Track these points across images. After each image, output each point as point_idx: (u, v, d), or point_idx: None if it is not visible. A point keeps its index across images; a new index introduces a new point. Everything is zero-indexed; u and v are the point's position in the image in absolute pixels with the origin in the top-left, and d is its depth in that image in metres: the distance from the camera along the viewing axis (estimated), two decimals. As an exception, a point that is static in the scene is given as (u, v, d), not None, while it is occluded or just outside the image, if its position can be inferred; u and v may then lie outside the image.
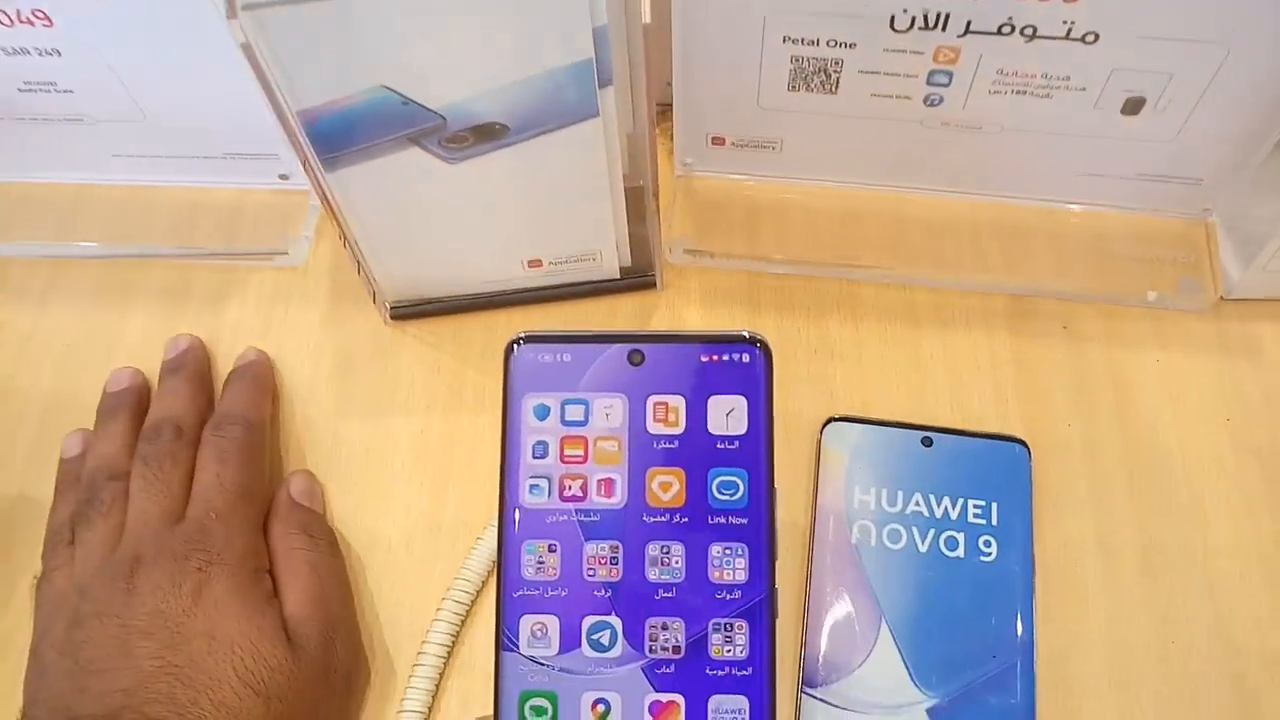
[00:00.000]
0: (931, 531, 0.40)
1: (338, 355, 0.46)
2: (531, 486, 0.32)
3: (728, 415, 0.32)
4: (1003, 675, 0.38)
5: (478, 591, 0.40)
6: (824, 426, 0.42)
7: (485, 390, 0.45)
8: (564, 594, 0.31)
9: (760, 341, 0.32)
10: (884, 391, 0.44)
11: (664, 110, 0.47)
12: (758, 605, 0.31)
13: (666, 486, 0.31)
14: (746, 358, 0.32)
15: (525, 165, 0.39)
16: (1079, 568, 0.40)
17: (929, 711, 0.37)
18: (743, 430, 0.32)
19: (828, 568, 0.40)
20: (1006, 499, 0.41)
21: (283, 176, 0.49)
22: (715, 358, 0.32)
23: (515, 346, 0.32)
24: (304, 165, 0.37)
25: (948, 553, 0.40)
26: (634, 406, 0.32)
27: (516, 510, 0.32)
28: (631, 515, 0.31)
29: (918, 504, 0.41)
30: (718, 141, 0.46)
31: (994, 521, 0.40)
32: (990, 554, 0.40)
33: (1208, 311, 0.45)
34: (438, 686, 0.39)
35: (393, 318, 0.47)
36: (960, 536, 0.40)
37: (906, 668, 0.38)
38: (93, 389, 0.45)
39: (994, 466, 0.41)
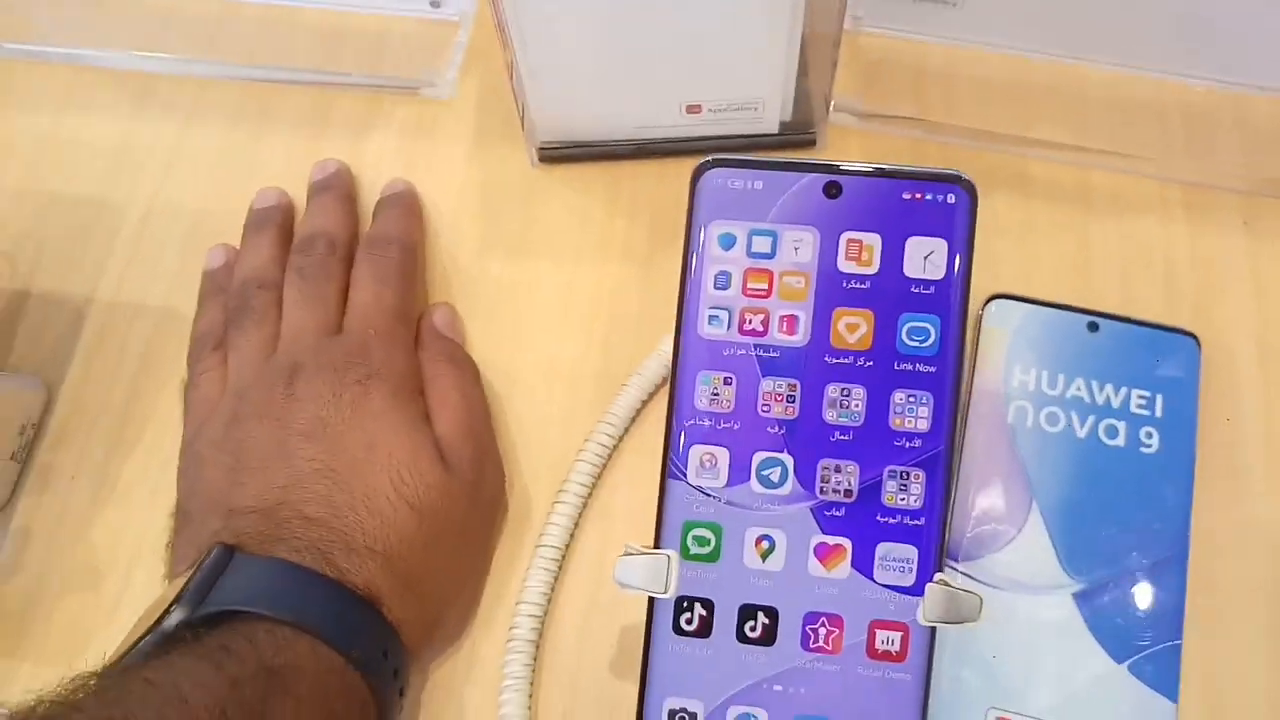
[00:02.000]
0: (1091, 418, 0.38)
1: (482, 194, 0.45)
2: (711, 317, 0.31)
3: (926, 258, 0.30)
4: (1154, 568, 0.36)
5: (620, 437, 0.40)
6: (986, 303, 0.40)
7: (634, 240, 0.44)
8: (736, 427, 0.30)
9: (968, 182, 0.30)
10: (1051, 273, 0.42)
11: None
12: (936, 456, 0.30)
13: (853, 328, 0.30)
14: (952, 198, 0.30)
15: (707, -11, 0.37)
16: (1244, 470, 0.39)
17: (1075, 596, 0.36)
18: (940, 275, 0.30)
19: (980, 445, 0.38)
20: (1173, 391, 0.39)
21: (433, 4, 0.47)
22: (918, 195, 0.30)
23: (705, 170, 0.31)
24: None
25: (1107, 440, 0.38)
26: (825, 242, 0.30)
27: (694, 339, 0.31)
28: (813, 354, 0.30)
29: (1079, 389, 0.39)
30: (894, -6, 0.44)
31: (1158, 414, 0.38)
32: (1152, 445, 0.38)
33: (1404, 217, 0.42)
34: (576, 525, 0.38)
35: (541, 160, 0.45)
36: (1121, 425, 0.38)
37: (1056, 551, 0.37)
38: (235, 210, 0.44)
39: (1162, 357, 0.39)
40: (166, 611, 0.30)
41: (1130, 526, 0.37)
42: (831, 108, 0.45)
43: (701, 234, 0.31)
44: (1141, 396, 0.39)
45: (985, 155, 0.44)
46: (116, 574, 0.39)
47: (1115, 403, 0.39)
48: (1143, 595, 0.36)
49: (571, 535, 0.38)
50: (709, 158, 0.31)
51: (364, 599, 0.32)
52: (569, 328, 0.42)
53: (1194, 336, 0.40)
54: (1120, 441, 0.38)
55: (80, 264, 0.45)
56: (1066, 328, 0.40)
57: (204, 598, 0.30)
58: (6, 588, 0.39)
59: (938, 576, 0.30)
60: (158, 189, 0.46)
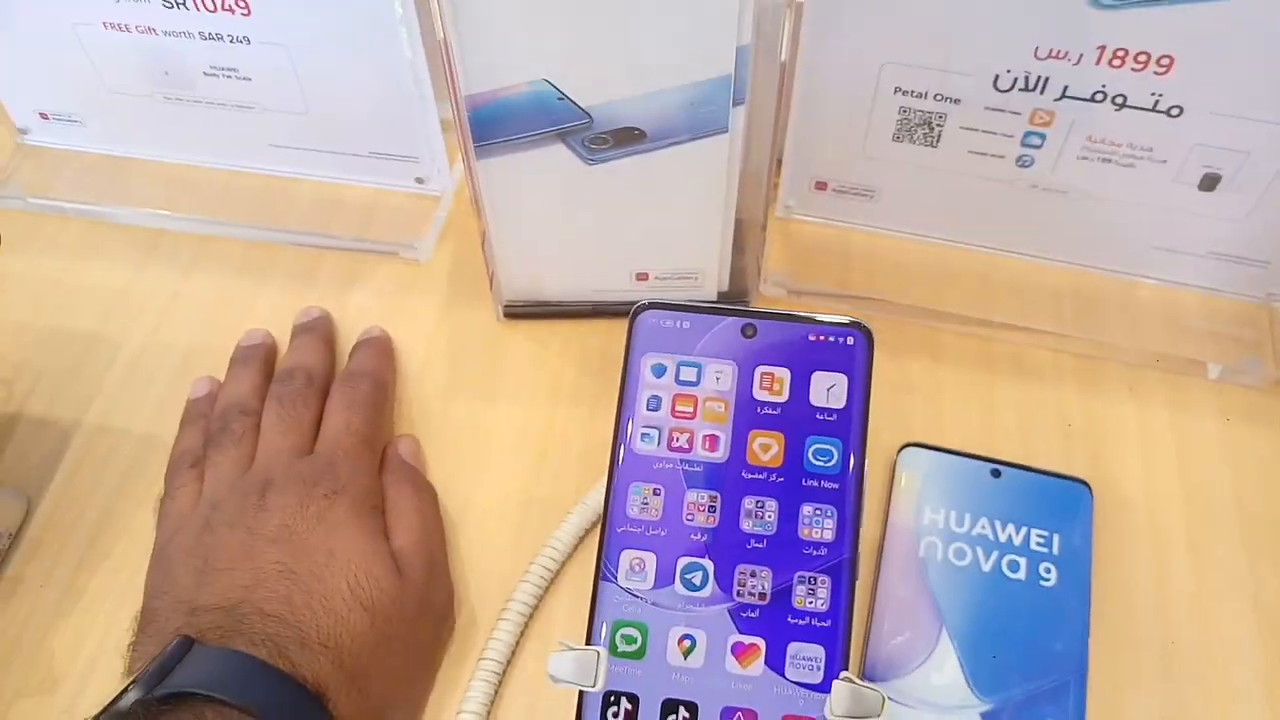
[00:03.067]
0: (995, 553, 0.42)
1: (451, 344, 0.50)
2: (643, 434, 0.35)
3: (829, 390, 0.35)
4: (1056, 691, 0.39)
5: (563, 562, 0.43)
6: (900, 450, 0.45)
7: (583, 387, 0.48)
8: (663, 534, 0.34)
9: (864, 328, 0.35)
10: (959, 427, 0.47)
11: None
12: (841, 564, 0.33)
13: (766, 448, 0.34)
14: (851, 340, 0.35)
15: (653, 174, 0.43)
16: (1134, 601, 0.42)
17: (982, 715, 0.39)
18: (841, 405, 0.35)
19: (894, 576, 0.42)
20: (1068, 532, 0.43)
21: (419, 180, 0.53)
22: (822, 337, 0.35)
23: (641, 310, 0.36)
24: (462, 151, 0.42)
25: (1010, 574, 0.42)
26: (742, 373, 0.35)
27: (628, 454, 0.34)
28: (732, 470, 0.34)
29: (983, 527, 0.43)
30: (820, 186, 0.50)
31: (1055, 551, 0.42)
32: (1050, 580, 0.42)
33: (1269, 389, 0.48)
34: (518, 641, 0.41)
35: (506, 315, 0.50)
36: (1022, 561, 0.42)
37: (964, 673, 0.40)
38: (224, 349, 0.49)
39: (1058, 502, 0.44)
40: (123, 692, 0.32)
41: (1033, 652, 0.40)
42: (763, 281, 0.50)
43: (637, 364, 0.35)
44: (1040, 536, 0.43)
45: (901, 326, 0.50)
46: (73, 679, 0.41)
47: (1016, 541, 0.42)
48: (1043, 714, 0.39)
49: (513, 651, 0.41)
50: (645, 300, 0.36)
51: (312, 692, 0.34)
52: (521, 462, 0.46)
53: (1087, 484, 0.44)
54: (1021, 575, 0.42)
55: (72, 391, 0.48)
56: (972, 473, 0.44)
57: (160, 681, 0.33)
58: (-34, 691, 0.41)
59: (843, 674, 0.32)
60: (154, 328, 0.50)
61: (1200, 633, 0.41)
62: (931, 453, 0.45)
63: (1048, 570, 0.42)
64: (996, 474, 0.44)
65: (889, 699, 0.38)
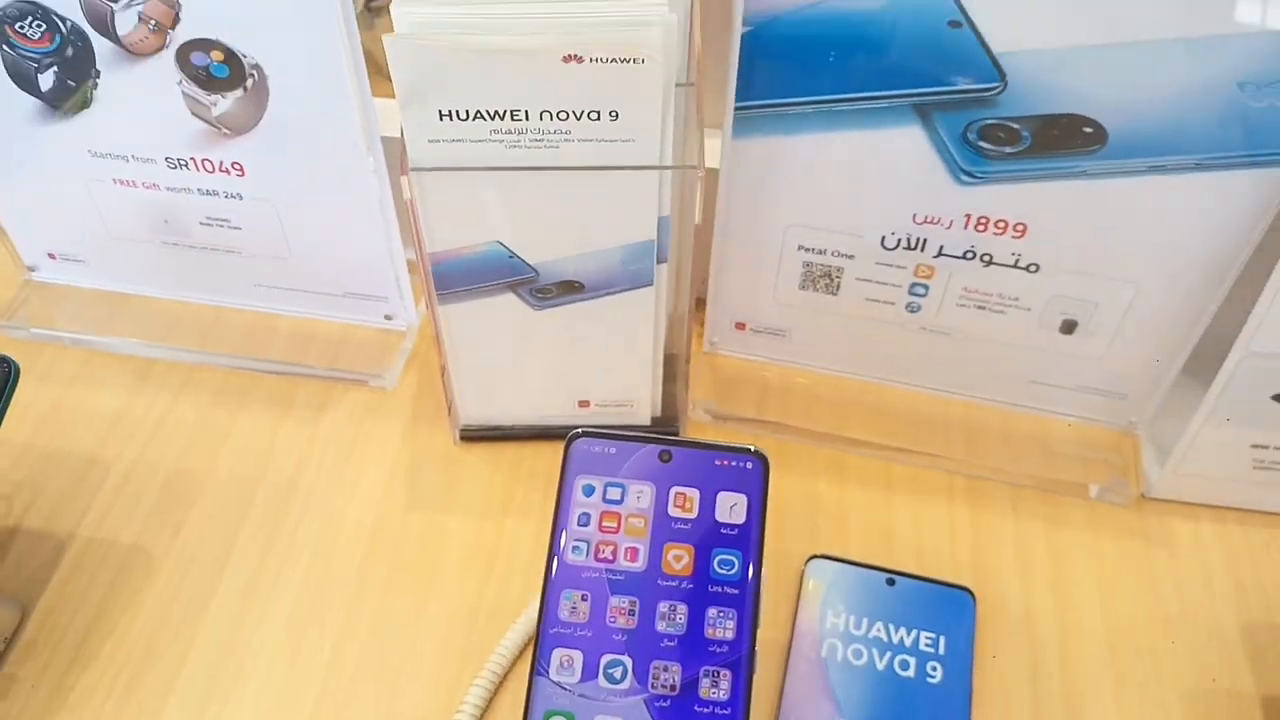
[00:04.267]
0: (888, 654, 0.48)
1: (412, 464, 0.56)
2: (574, 547, 0.41)
3: (731, 508, 0.41)
4: (941, 776, 0.45)
5: (510, 666, 0.48)
6: (807, 561, 0.51)
7: (529, 503, 0.54)
8: (589, 635, 0.39)
9: (761, 455, 0.41)
10: (860, 540, 0.53)
11: (700, 302, 0.58)
12: (741, 659, 0.39)
13: (679, 558, 0.40)
14: (750, 465, 0.41)
15: (591, 318, 0.50)
16: (1011, 702, 0.48)
17: (876, 799, 0.44)
18: (742, 521, 0.41)
19: (800, 673, 0.47)
20: (953, 635, 0.48)
21: (387, 317, 0.60)
22: (726, 463, 0.41)
23: (575, 438, 0.42)
24: (427, 298, 0.49)
25: (900, 672, 0.47)
26: (659, 493, 0.41)
27: (560, 564, 0.40)
28: (649, 578, 0.40)
29: (879, 630, 0.49)
30: (740, 326, 0.58)
31: (941, 651, 0.48)
32: (936, 677, 0.47)
33: (1132, 507, 0.54)
34: (466, 738, 0.45)
35: (462, 439, 0.56)
36: (912, 660, 0.48)
37: (860, 761, 0.45)
38: (208, 469, 0.54)
39: (944, 607, 0.49)
40: None
41: (919, 744, 0.45)
42: (691, 408, 0.57)
43: (571, 485, 0.41)
44: (929, 638, 0.48)
45: (812, 450, 0.56)
46: (59, 771, 0.45)
47: (908, 642, 0.48)
48: (928, 801, 0.44)
49: (460, 745, 0.45)
50: (578, 429, 0.42)
51: None
52: (472, 572, 0.51)
53: (970, 592, 0.50)
54: (911, 674, 0.47)
55: (67, 507, 0.53)
56: (870, 582, 0.50)
57: None
58: (-42, 782, 0.45)
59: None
60: (143, 449, 0.56)
61: (1068, 723, 0.47)
62: (835, 563, 0.51)
63: (934, 668, 0.47)
64: (891, 582, 0.50)
65: (791, 783, 0.44)
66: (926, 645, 0.48)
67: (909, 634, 0.48)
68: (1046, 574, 0.52)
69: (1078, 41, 0.43)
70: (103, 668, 0.48)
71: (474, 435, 0.57)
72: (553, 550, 0.41)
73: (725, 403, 0.57)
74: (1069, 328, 0.52)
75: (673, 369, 0.55)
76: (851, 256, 0.52)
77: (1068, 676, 0.48)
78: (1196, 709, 0.48)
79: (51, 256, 0.61)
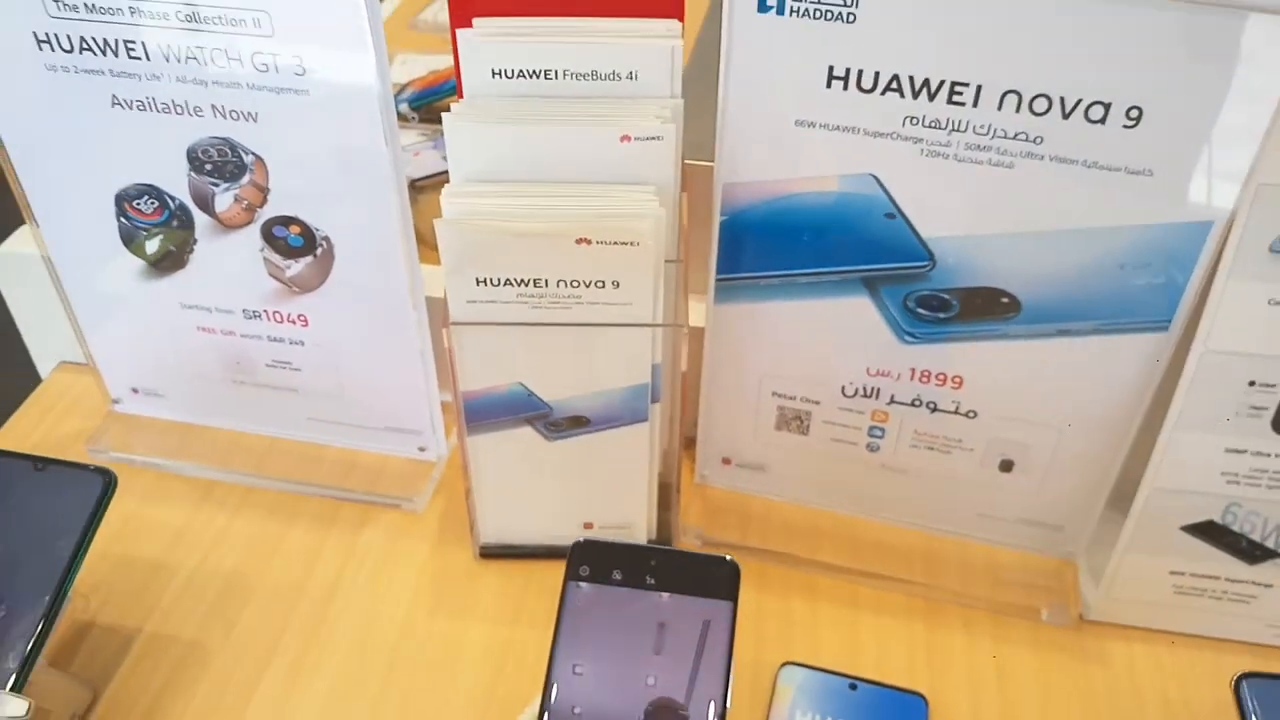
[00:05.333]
0: (850, 749, 0.54)
1: (436, 577, 0.64)
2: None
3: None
4: None
5: (514, 749, 0.55)
6: (780, 668, 0.58)
7: (539, 613, 0.61)
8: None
9: (732, 563, 0.49)
10: (828, 651, 0.60)
11: (691, 440, 0.67)
12: (712, 735, 0.46)
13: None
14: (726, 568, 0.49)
15: (596, 449, 0.59)
16: (960, 794, 0.54)
17: None
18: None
19: (771, 765, 0.54)
20: (908, 734, 0.55)
21: (421, 449, 0.69)
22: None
23: (579, 544, 0.50)
24: (458, 430, 0.58)
25: (860, 765, 0.54)
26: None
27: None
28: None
29: (842, 728, 0.55)
30: (726, 461, 0.66)
31: (897, 748, 0.55)
32: (892, 770, 0.54)
33: (1072, 627, 0.61)
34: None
35: (481, 555, 0.65)
36: (871, 755, 0.54)
37: (821, 843, 0.51)
38: (260, 574, 0.63)
39: (900, 710, 0.56)
40: None
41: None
42: (682, 534, 0.65)
43: (570, 584, 0.49)
44: (884, 737, 0.55)
45: (787, 572, 0.64)
46: (120, 833, 0.51)
47: (866, 740, 0.55)
48: None
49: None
50: (581, 539, 0.50)
51: None
52: (485, 670, 0.59)
53: (923, 697, 0.57)
54: (868, 767, 0.54)
55: (136, 605, 0.61)
56: (835, 686, 0.57)
57: None
58: (31, 841, 0.51)
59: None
60: (204, 557, 0.64)
61: (1007, 815, 0.53)
62: (805, 670, 0.58)
63: (889, 762, 0.54)
64: (854, 687, 0.57)
65: None
66: (882, 742, 0.55)
67: (867, 732, 0.55)
68: (993, 686, 0.59)
69: (992, 230, 0.53)
70: (160, 746, 0.55)
71: (492, 553, 0.65)
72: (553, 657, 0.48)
73: (713, 529, 0.66)
74: (1007, 466, 0.61)
75: (666, 497, 0.64)
76: (818, 402, 0.61)
77: (1008, 775, 0.55)
78: (1124, 807, 0.54)
79: (135, 390, 0.71)
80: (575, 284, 0.53)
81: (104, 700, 0.57)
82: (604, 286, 0.53)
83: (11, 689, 0.49)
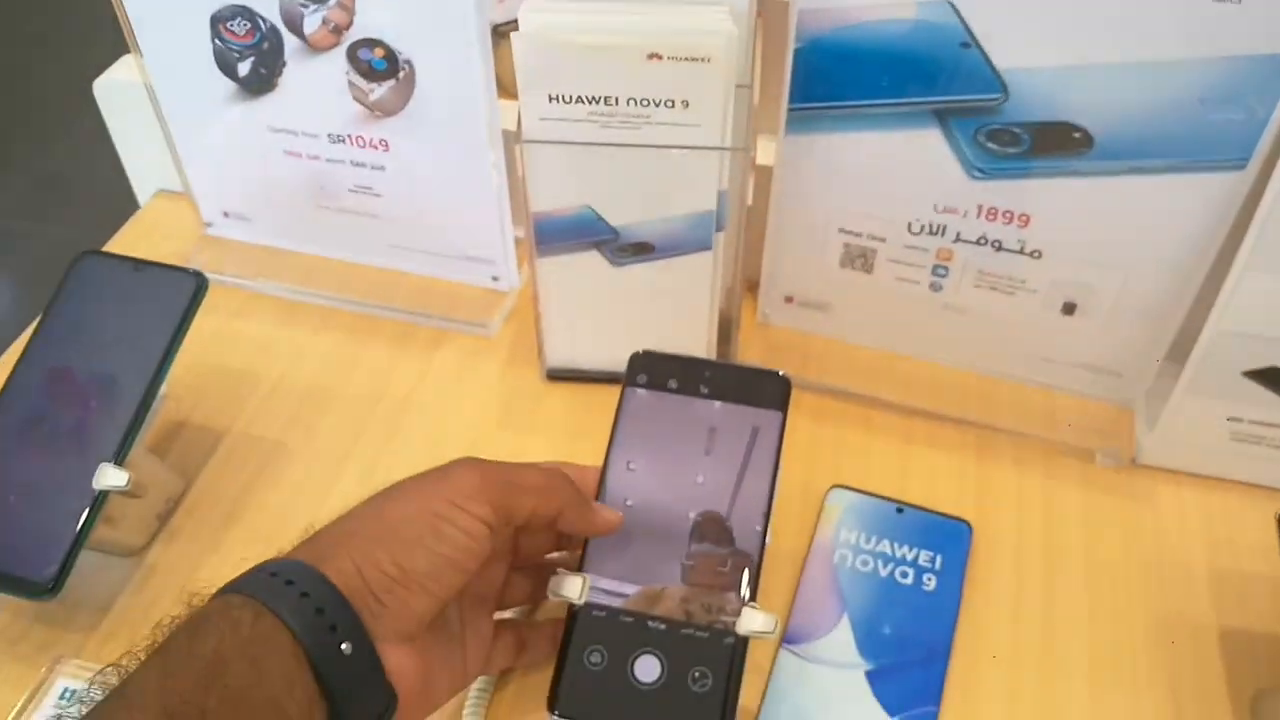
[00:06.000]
0: (891, 565, 0.57)
1: (506, 396, 0.67)
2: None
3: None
4: (925, 660, 0.53)
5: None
6: (829, 490, 0.60)
7: (599, 430, 0.64)
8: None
9: (784, 378, 0.51)
10: (877, 480, 0.62)
11: (754, 284, 0.68)
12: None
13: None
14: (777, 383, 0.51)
15: (659, 276, 0.61)
16: (994, 612, 0.56)
17: (866, 673, 0.53)
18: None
19: (814, 573, 0.56)
20: (949, 555, 0.57)
21: (494, 278, 0.72)
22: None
23: (637, 356, 0.52)
24: (529, 253, 0.60)
25: (900, 580, 0.56)
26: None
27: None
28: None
29: (885, 546, 0.57)
30: (789, 300, 0.68)
31: (937, 567, 0.56)
32: (930, 587, 0.56)
33: (1124, 471, 0.62)
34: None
35: (549, 377, 0.67)
36: (911, 571, 0.56)
37: (855, 643, 0.54)
38: (339, 388, 0.67)
39: (944, 534, 0.58)
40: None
41: (910, 633, 0.54)
42: (743, 364, 0.67)
43: (627, 392, 0.52)
44: (927, 555, 0.57)
45: (844, 406, 0.66)
46: (213, 599, 0.56)
47: (909, 557, 0.57)
48: (913, 676, 0.52)
49: (529, 605, 0.55)
50: (641, 350, 0.53)
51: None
52: (549, 480, 0.62)
53: (968, 523, 0.58)
54: (909, 581, 0.56)
55: (224, 409, 0.66)
56: (881, 509, 0.59)
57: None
58: (134, 601, 0.57)
59: (750, 604, 0.47)
60: (287, 369, 0.68)
61: (1042, 633, 0.55)
62: (852, 493, 0.60)
63: (929, 579, 0.56)
64: (900, 511, 0.59)
65: (799, 657, 0.53)
66: (925, 561, 0.57)
67: (911, 551, 0.57)
68: (1039, 518, 0.60)
69: (1068, 62, 0.52)
70: (246, 529, 0.60)
71: (558, 375, 0.67)
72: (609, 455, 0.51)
73: (773, 365, 0.67)
74: (1069, 309, 0.61)
75: (726, 332, 0.65)
76: (883, 239, 0.62)
77: (1048, 600, 0.56)
78: (1161, 632, 0.55)
79: (225, 214, 0.75)
80: (645, 103, 0.54)
81: (195, 489, 0.62)
82: (674, 106, 0.54)
83: (114, 462, 0.54)
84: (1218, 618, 0.56)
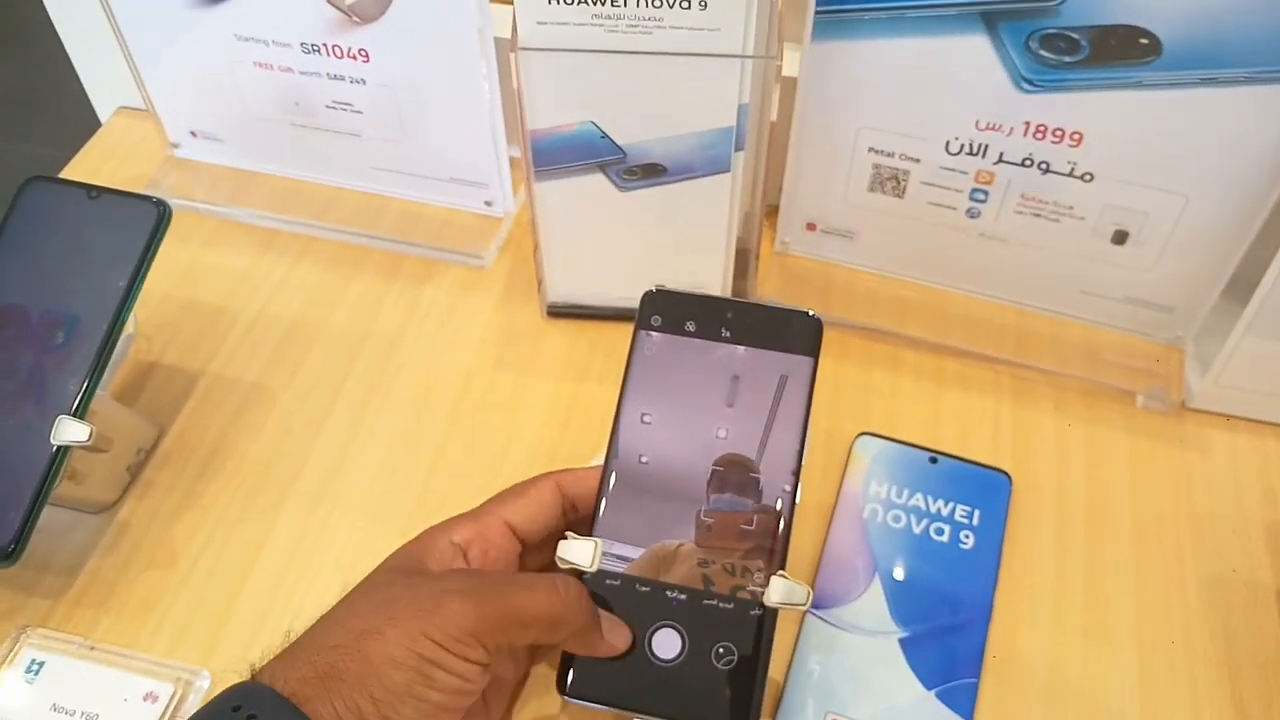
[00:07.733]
0: (925, 520, 0.52)
1: (503, 334, 0.62)
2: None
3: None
4: (963, 626, 0.49)
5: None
6: (856, 438, 0.55)
7: (605, 372, 0.59)
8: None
9: (815, 318, 0.46)
10: (908, 425, 0.57)
11: (773, 209, 0.63)
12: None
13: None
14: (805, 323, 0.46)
15: (672, 201, 0.55)
16: (1036, 570, 0.52)
17: (900, 640, 0.48)
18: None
19: (842, 532, 0.52)
20: (987, 510, 0.53)
21: (487, 203, 0.66)
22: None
23: (650, 295, 0.47)
24: (525, 174, 0.54)
25: (935, 537, 0.52)
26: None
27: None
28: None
29: (918, 500, 0.53)
30: (810, 227, 0.62)
31: (975, 523, 0.52)
32: (968, 544, 0.51)
33: (1172, 415, 0.57)
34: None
35: (549, 314, 0.62)
36: (947, 528, 0.52)
37: (888, 608, 0.49)
38: (320, 323, 0.61)
39: (982, 486, 0.54)
40: None
41: (946, 596, 0.50)
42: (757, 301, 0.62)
43: (640, 334, 0.47)
44: (964, 510, 0.53)
45: (870, 344, 0.60)
46: (188, 559, 0.52)
47: (944, 512, 0.52)
48: (951, 644, 0.48)
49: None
50: (654, 286, 0.47)
51: None
52: (550, 425, 0.57)
53: (1007, 474, 0.54)
54: (945, 539, 0.52)
55: (199, 348, 0.61)
56: (913, 459, 0.54)
57: None
58: (105, 561, 0.52)
59: (779, 573, 0.42)
60: (266, 304, 0.63)
61: (1087, 594, 0.51)
62: (881, 440, 0.55)
63: (967, 536, 0.52)
64: (934, 461, 0.54)
65: (828, 622, 0.49)
66: (962, 516, 0.52)
67: (946, 505, 0.53)
68: (1082, 467, 0.56)
69: (1139, -46, 0.46)
70: (226, 479, 0.55)
71: (560, 312, 0.62)
72: (620, 406, 0.45)
73: (792, 299, 0.62)
74: (1120, 238, 0.55)
75: (744, 263, 0.60)
76: (918, 160, 0.56)
77: (1092, 555, 0.52)
78: (1213, 593, 0.51)
79: (193, 134, 0.68)
80: (656, 4, 0.47)
81: (170, 436, 0.57)
82: (689, 7, 0.47)
83: (74, 414, 0.49)
84: (1276, 576, 0.52)
